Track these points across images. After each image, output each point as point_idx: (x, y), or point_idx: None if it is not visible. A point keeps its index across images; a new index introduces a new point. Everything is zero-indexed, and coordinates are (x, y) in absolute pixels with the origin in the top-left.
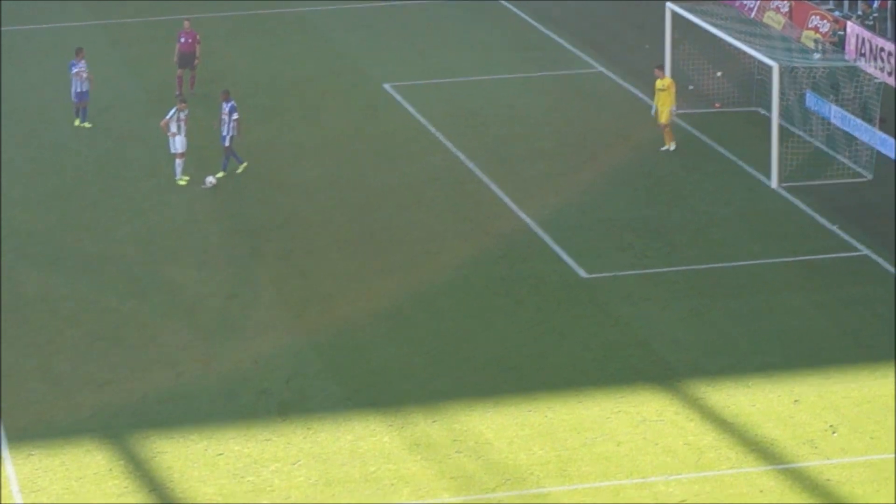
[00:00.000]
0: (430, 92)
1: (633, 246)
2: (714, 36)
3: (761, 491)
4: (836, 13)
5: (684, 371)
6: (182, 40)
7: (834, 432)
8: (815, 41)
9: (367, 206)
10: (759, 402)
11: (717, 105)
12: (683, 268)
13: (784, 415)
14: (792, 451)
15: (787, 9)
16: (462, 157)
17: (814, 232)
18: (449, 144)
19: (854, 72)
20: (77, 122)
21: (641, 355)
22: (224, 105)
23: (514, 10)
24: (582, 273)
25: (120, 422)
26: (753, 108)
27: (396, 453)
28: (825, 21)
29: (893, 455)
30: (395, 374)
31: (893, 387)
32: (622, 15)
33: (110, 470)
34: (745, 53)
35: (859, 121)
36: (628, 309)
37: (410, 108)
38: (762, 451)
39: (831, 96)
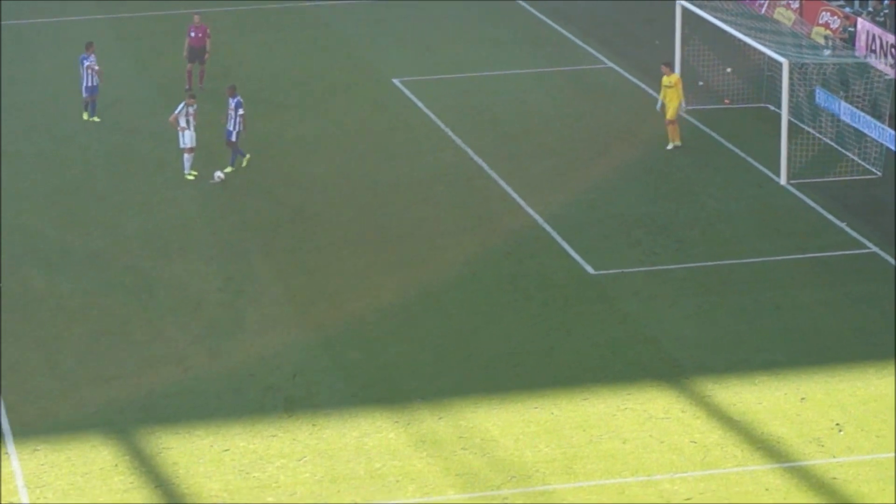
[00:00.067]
0: (439, 87)
1: (641, 242)
2: (724, 32)
3: (767, 489)
4: (847, 9)
5: (691, 368)
6: (192, 34)
7: (840, 430)
8: (826, 37)
9: (376, 202)
10: (766, 399)
11: (726, 101)
12: (691, 264)
13: (790, 413)
14: (798, 449)
15: (797, 5)
16: (471, 152)
17: (822, 229)
18: (458, 140)
19: (864, 68)
20: (85, 117)
21: (648, 352)
22: (230, 100)
23: (524, 5)
24: (590, 269)
25: (126, 417)
26: (763, 105)
27: (402, 450)
28: (836, 17)
29: None
30: (401, 371)
31: None
32: (632, 10)
33: (116, 465)
34: (754, 49)
35: (869, 117)
36: (636, 306)
37: (419, 104)
38: (768, 449)
39: (841, 93)
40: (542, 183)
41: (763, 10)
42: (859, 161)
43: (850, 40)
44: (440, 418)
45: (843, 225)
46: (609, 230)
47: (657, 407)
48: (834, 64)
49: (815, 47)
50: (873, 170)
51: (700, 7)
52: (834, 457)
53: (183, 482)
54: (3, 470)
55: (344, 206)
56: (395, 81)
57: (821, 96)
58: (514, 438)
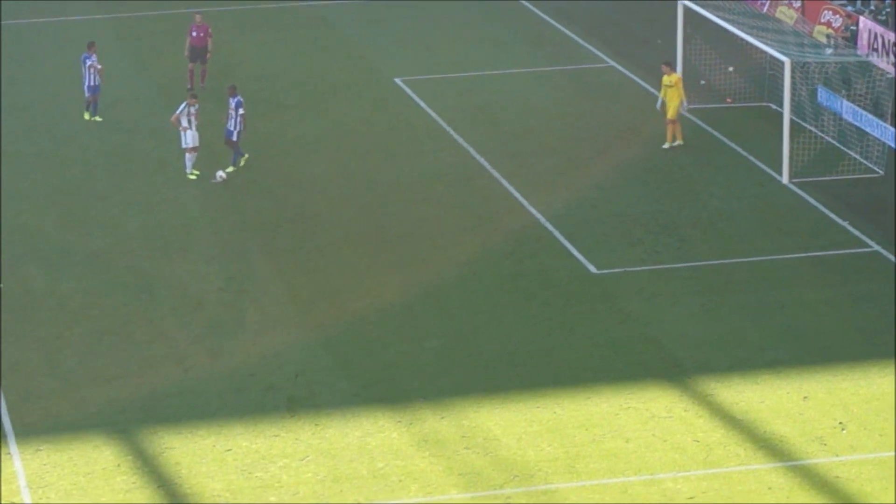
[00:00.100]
0: (441, 86)
1: (643, 241)
2: (726, 31)
3: (770, 488)
4: (849, 8)
5: (693, 367)
6: (193, 34)
7: (843, 429)
8: (828, 36)
9: (377, 201)
10: (769, 398)
11: (728, 100)
12: (694, 263)
13: (793, 411)
14: (801, 448)
15: (799, 3)
16: (472, 151)
17: (825, 228)
18: (459, 139)
19: (866, 67)
20: (87, 117)
21: (651, 351)
22: (231, 100)
23: (526, 4)
24: (592, 268)
25: (128, 417)
26: (765, 104)
27: (405, 449)
28: (837, 16)
29: None
30: (403, 370)
31: None
32: (634, 9)
33: (118, 465)
34: (756, 48)
35: (871, 116)
36: (638, 305)
37: (421, 103)
38: (771, 447)
39: (843, 91)
40: (544, 182)
41: (765, 9)
42: (861, 160)
43: (852, 39)
44: (442, 418)
45: (845, 224)
46: (611, 229)
47: (660, 406)
48: (836, 63)
49: (817, 46)
50: (875, 168)
51: (702, 6)
52: (836, 456)
53: (185, 482)
54: (5, 470)
55: (345, 205)
56: (397, 81)
57: (823, 95)
58: (516, 438)
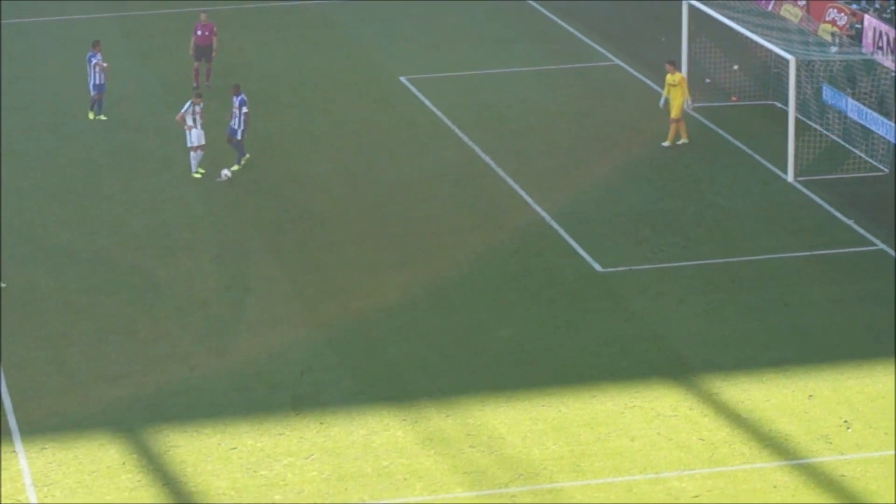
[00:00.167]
0: (446, 85)
1: (648, 240)
2: (731, 29)
3: (775, 486)
4: (854, 6)
5: (699, 366)
6: (199, 33)
7: (849, 428)
8: (833, 34)
9: (382, 200)
10: (774, 397)
11: (733, 98)
12: (699, 262)
13: (798, 410)
14: (806, 446)
15: (804, 2)
16: (477, 150)
17: (830, 226)
18: (464, 137)
19: (871, 65)
20: (91, 116)
21: (656, 350)
22: (234, 99)
23: (531, 2)
24: (597, 267)
25: (133, 415)
26: (770, 102)
27: (409, 448)
28: (842, 14)
29: None
30: (408, 369)
31: None
32: (639, 8)
33: (123, 464)
34: (761, 47)
35: (876, 114)
36: (643, 303)
37: (426, 101)
38: (776, 446)
39: (848, 90)
40: (549, 180)
41: (770, 8)
42: (866, 158)
43: (857, 37)
44: (447, 416)
45: (850, 222)
46: (616, 228)
47: (665, 404)
48: (841, 61)
49: (822, 44)
50: (880, 166)
51: (707, 4)
52: (842, 454)
53: (190, 480)
54: (10, 468)
55: (349, 203)
56: (402, 79)
57: (828, 93)
58: (521, 436)
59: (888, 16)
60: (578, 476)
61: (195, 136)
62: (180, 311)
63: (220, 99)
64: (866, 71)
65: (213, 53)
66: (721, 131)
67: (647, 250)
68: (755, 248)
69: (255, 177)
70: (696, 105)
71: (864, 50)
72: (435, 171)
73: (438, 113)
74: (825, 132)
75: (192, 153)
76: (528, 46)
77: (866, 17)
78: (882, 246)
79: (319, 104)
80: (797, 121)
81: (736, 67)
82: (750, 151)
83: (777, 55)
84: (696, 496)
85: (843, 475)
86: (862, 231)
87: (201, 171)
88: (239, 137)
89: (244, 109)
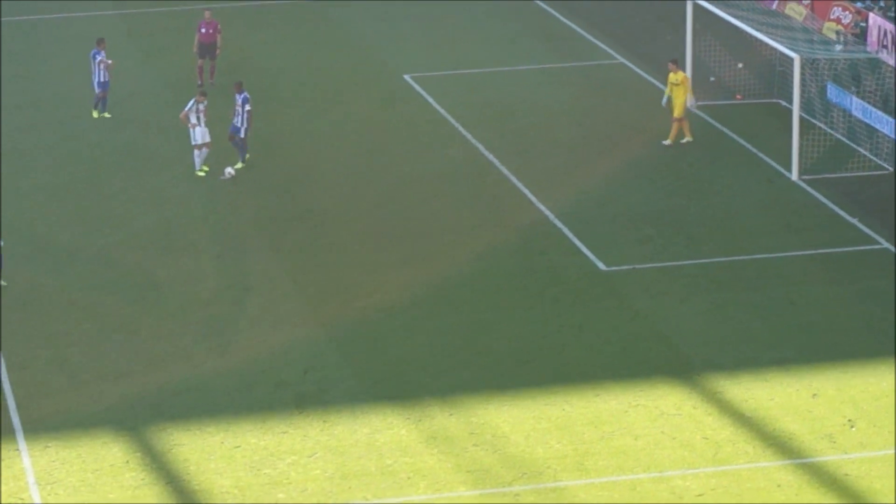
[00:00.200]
0: (451, 83)
1: (652, 238)
2: (735, 27)
3: (779, 485)
4: (858, 4)
5: (702, 365)
6: (203, 30)
7: (852, 427)
8: (837, 32)
9: (386, 198)
10: (778, 396)
11: (738, 96)
12: (703, 261)
13: (802, 409)
14: (810, 445)
15: (808, 0)
16: (482, 148)
17: (834, 225)
18: (469, 136)
19: (876, 63)
20: (95, 115)
21: (660, 349)
22: (237, 97)
23: (535, 1)
24: (601, 266)
25: (137, 414)
26: (774, 100)
27: (413, 446)
28: (847, 12)
29: None
30: (412, 367)
31: None
32: (644, 6)
33: (127, 462)
34: (766, 45)
35: (881, 113)
36: (647, 302)
37: (430, 100)
38: (780, 445)
39: (853, 88)
40: (553, 179)
41: (774, 6)
42: (871, 157)
43: (862, 35)
44: (451, 415)
45: (854, 221)
46: (620, 226)
47: (669, 403)
48: (845, 59)
49: (827, 43)
50: (885, 165)
51: (712, 3)
52: (846, 453)
53: (194, 479)
54: (14, 467)
55: (353, 202)
56: (406, 77)
57: (832, 92)
58: (525, 435)
59: (893, 14)
60: (582, 475)
61: (199, 134)
62: (183, 310)
63: (224, 97)
64: (871, 69)
65: (217, 51)
66: (725, 129)
67: (651, 249)
68: (759, 246)
69: (258, 175)
70: (699, 104)
71: (868, 48)
72: (438, 169)
73: (442, 111)
74: (829, 131)
75: (195, 151)
76: (533, 45)
77: (871, 15)
78: (886, 245)
79: (322, 102)
80: (801, 119)
81: (740, 66)
82: (754, 150)
83: (782, 53)
84: (699, 495)
85: (846, 474)
86: (866, 230)
87: (205, 168)
88: (242, 135)
89: (247, 107)
